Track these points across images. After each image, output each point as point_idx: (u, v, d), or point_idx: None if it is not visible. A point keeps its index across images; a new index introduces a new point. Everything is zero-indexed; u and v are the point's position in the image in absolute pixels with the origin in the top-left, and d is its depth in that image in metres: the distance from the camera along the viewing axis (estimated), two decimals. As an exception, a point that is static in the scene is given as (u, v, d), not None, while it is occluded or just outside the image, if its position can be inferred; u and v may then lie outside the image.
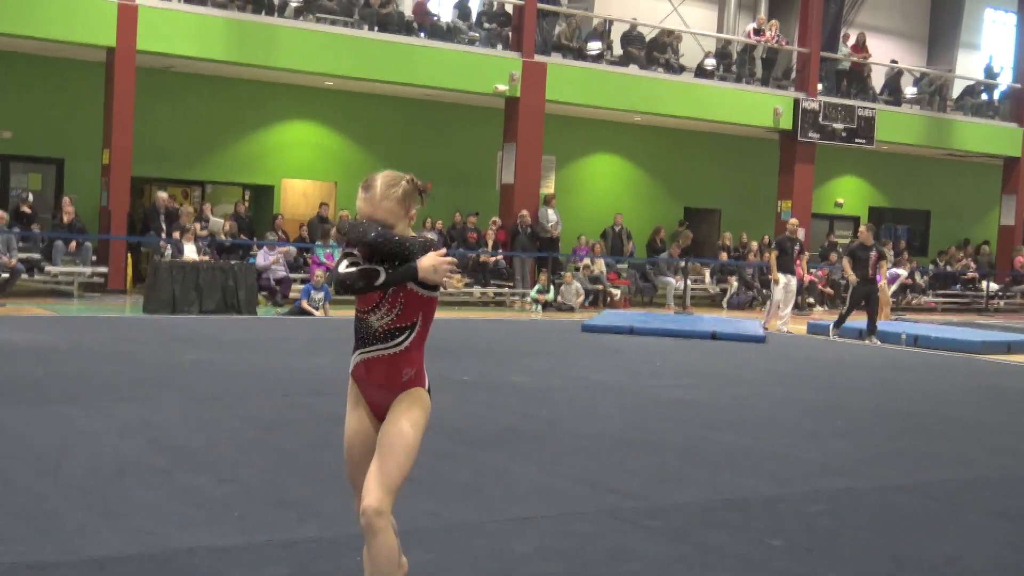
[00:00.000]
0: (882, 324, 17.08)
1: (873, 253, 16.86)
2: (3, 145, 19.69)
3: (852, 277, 16.89)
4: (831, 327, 16.93)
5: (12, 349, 10.98)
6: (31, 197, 18.80)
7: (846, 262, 17.35)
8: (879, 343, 16.19)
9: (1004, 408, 10.46)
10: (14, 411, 7.70)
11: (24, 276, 17.02)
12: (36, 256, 17.45)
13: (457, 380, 10.26)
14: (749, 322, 18.00)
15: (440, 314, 14.89)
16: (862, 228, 17.25)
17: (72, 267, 17.73)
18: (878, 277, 16.97)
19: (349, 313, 14.36)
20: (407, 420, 3.61)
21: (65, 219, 17.89)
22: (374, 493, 3.49)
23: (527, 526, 5.45)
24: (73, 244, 17.90)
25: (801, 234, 19.58)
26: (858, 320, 17.02)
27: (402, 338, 3.61)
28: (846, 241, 27.39)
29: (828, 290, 24.31)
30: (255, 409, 8.36)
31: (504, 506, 5.79)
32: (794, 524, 5.75)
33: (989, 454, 8.07)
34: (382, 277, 3.45)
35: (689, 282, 22.77)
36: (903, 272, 21.12)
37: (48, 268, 17.54)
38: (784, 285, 17.90)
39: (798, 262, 18.56)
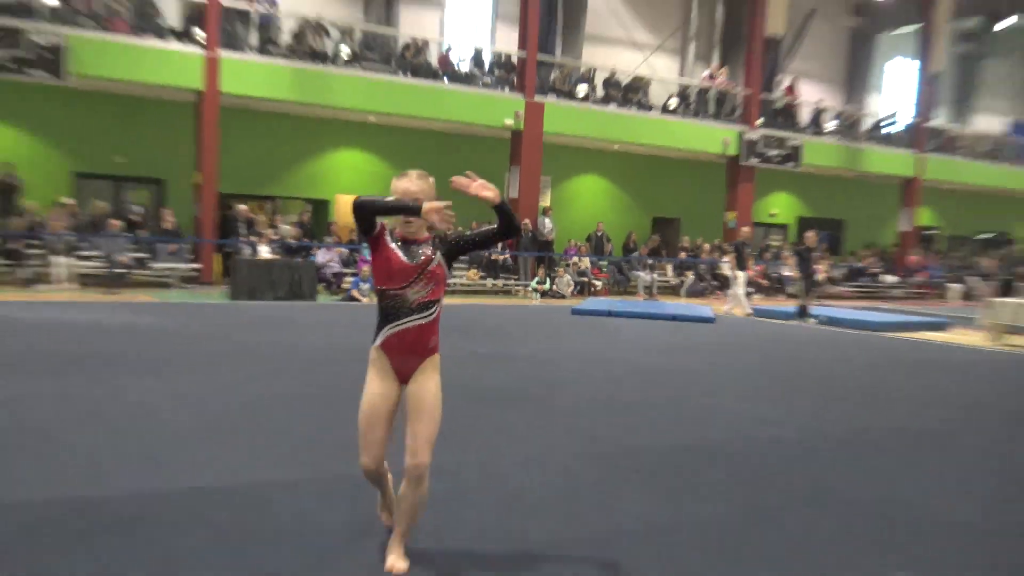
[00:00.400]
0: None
1: (816, 254, 16.98)
2: (118, 168, 19.76)
3: (796, 273, 17.00)
4: (798, 317, 16.57)
5: (127, 327, 11.11)
6: (140, 209, 18.90)
7: (793, 260, 17.45)
8: (815, 323, 16.32)
9: (898, 372, 10.53)
10: (131, 375, 7.83)
11: (135, 271, 17.15)
12: (144, 255, 17.55)
13: (473, 353, 10.36)
14: (702, 307, 18.09)
15: (459, 300, 15.06)
16: (810, 233, 17.21)
17: (172, 264, 17.83)
18: (816, 271, 16.99)
19: (390, 300, 13.83)
20: (434, 384, 3.70)
21: (166, 226, 18.01)
22: (424, 449, 3.59)
23: (529, 465, 5.56)
24: (172, 246, 18.03)
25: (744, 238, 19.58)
26: (790, 306, 17.11)
27: (432, 310, 3.71)
28: (779, 244, 27.52)
29: (764, 282, 24.41)
30: (315, 374, 8.46)
31: (511, 450, 5.90)
32: (735, 463, 5.86)
33: (885, 407, 8.17)
34: (390, 200, 3.68)
35: (655, 275, 22.88)
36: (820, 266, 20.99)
37: (153, 264, 17.64)
38: (741, 279, 18.03)
39: (749, 261, 18.68)
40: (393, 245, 3.73)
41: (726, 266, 19.20)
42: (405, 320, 3.69)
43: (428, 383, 3.70)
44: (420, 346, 3.71)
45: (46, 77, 16.20)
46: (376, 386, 3.73)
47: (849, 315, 16.91)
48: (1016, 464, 6.41)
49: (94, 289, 16.04)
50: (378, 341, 3.75)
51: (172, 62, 17.56)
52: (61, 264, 16.08)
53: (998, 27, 27.82)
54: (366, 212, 3.63)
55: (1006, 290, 20.41)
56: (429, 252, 3.74)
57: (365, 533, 4.14)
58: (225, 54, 17.93)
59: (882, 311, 19.17)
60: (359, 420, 3.76)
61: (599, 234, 23.22)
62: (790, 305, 17.61)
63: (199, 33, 17.87)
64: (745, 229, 19.25)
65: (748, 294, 18.80)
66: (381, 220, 3.72)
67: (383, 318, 3.73)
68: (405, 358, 3.71)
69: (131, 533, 4.02)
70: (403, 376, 3.73)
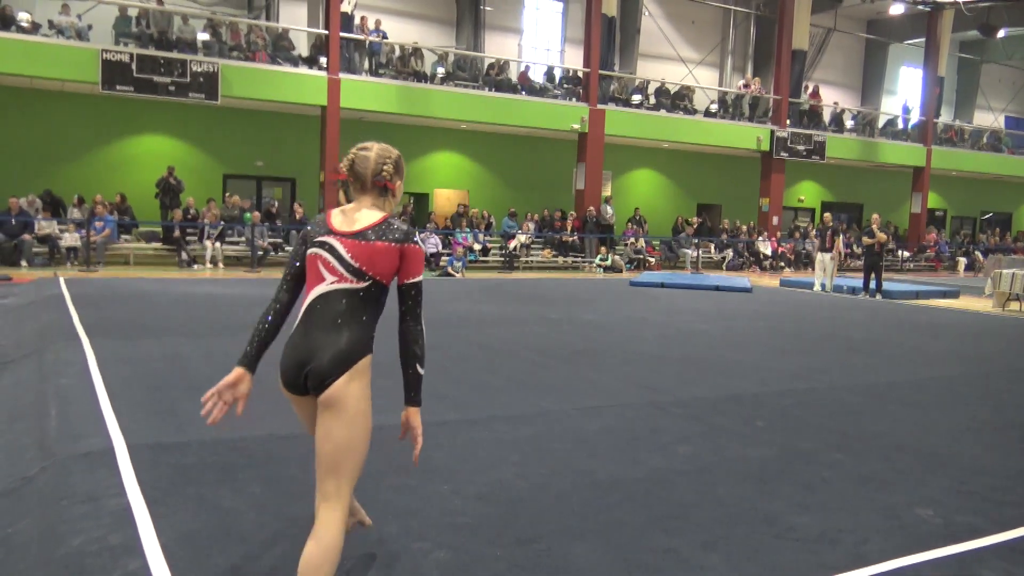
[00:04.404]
0: (839, 280, 16.57)
1: (828, 232, 16.37)
2: (257, 170, 20.09)
3: (816, 247, 16.41)
4: (874, 294, 15.10)
5: (266, 299, 11.25)
6: (276, 203, 19.18)
7: (815, 238, 16.77)
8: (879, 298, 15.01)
9: (914, 333, 10.12)
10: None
11: (272, 253, 17.41)
12: (279, 240, 17.80)
13: (548, 318, 10.25)
14: (741, 279, 17.64)
15: (534, 275, 14.81)
16: (826, 215, 16.51)
17: (302, 247, 18.02)
18: (842, 247, 16.21)
19: (478, 275, 14.31)
20: None
21: (297, 217, 18.23)
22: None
23: (594, 412, 5.44)
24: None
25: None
26: (808, 277, 16.58)
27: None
28: (805, 225, 26.81)
29: (791, 256, 23.83)
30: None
31: (579, 399, 5.77)
32: (773, 411, 5.65)
33: (904, 364, 7.83)
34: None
35: (700, 252, 22.41)
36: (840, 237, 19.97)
37: (287, 248, 17.85)
38: (823, 258, 16.22)
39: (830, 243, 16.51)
40: None
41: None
42: None
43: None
44: None
45: (203, 99, 16.49)
46: None
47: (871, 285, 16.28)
48: (1015, 412, 6.06)
49: (238, 268, 16.34)
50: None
51: (302, 84, 17.70)
52: (211, 248, 16.42)
53: (995, 38, 26.75)
54: None
55: None
56: None
57: (460, 468, 4.06)
58: (344, 76, 18.02)
59: (897, 281, 18.45)
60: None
61: (637, 218, 22.86)
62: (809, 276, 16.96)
63: (323, 60, 17.99)
64: (827, 215, 17.02)
65: (780, 266, 18.11)
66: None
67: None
68: None
69: (266, 469, 4.01)
70: None
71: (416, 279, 2.54)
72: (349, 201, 2.61)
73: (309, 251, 2.55)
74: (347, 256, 2.48)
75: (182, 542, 3.10)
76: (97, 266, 15.01)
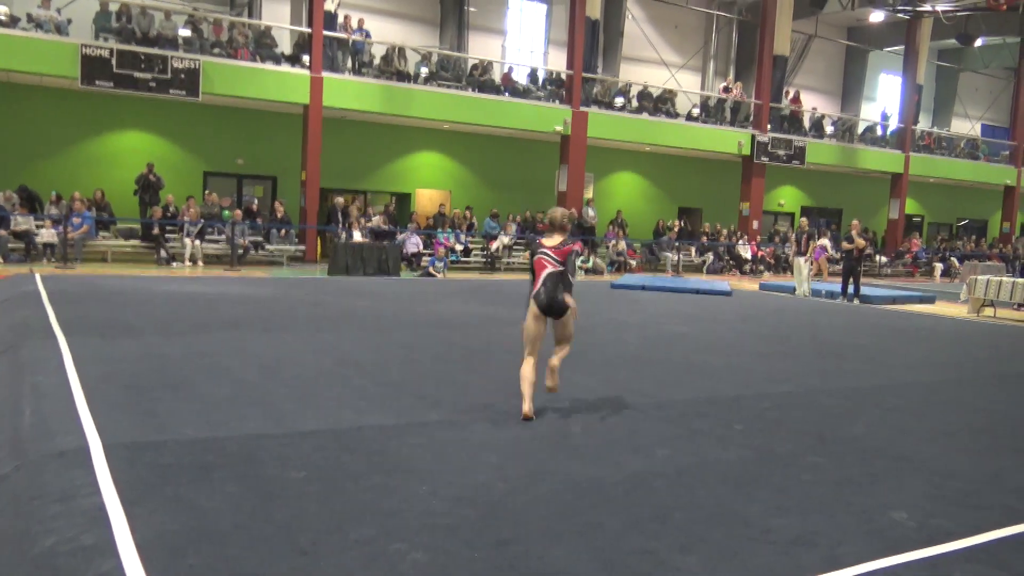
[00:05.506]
0: (816, 285, 16.68)
1: (804, 237, 16.46)
2: (238, 168, 19.95)
3: (792, 252, 16.47)
4: (852, 299, 15.10)
5: (246, 297, 11.20)
6: (256, 201, 19.06)
7: (792, 242, 16.81)
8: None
9: (890, 338, 10.21)
10: (247, 335, 7.86)
11: (252, 251, 17.31)
12: (260, 239, 17.70)
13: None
14: (721, 282, 17.74)
15: (517, 276, 14.82)
16: (802, 220, 16.61)
17: (282, 246, 17.98)
18: (818, 252, 16.28)
19: (459, 276, 14.34)
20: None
21: (278, 215, 18.14)
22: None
23: (574, 412, 5.44)
24: (283, 231, 18.16)
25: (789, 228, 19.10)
26: (788, 281, 16.70)
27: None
28: (785, 229, 26.99)
29: (771, 260, 24.00)
30: (400, 336, 8.42)
31: (559, 401, 5.77)
32: (751, 414, 5.68)
33: (881, 369, 7.89)
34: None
35: (681, 256, 22.51)
36: (827, 241, 19.98)
37: (267, 246, 17.79)
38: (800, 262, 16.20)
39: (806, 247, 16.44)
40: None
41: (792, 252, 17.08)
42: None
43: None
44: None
45: (184, 96, 16.36)
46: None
47: (849, 290, 16.40)
48: (990, 416, 6.12)
49: (217, 267, 16.23)
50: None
51: (284, 82, 17.62)
52: (191, 246, 16.29)
53: (972, 47, 27.15)
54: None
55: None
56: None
57: (440, 469, 4.06)
58: (327, 75, 17.95)
59: (874, 286, 18.62)
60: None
61: (619, 220, 22.92)
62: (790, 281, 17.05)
63: (306, 58, 17.92)
64: (803, 220, 17.63)
65: (760, 270, 18.22)
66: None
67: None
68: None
69: (244, 468, 3.98)
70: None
71: (569, 258, 5.27)
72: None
73: (536, 256, 5.32)
74: (554, 257, 5.25)
75: (157, 542, 3.06)
76: (74, 263, 14.84)
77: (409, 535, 3.27)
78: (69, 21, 16.01)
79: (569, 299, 5.12)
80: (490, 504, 3.66)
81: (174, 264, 16.06)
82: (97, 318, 8.45)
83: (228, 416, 4.91)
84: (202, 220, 16.84)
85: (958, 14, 25.40)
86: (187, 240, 16.35)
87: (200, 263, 16.30)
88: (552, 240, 5.28)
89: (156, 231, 16.35)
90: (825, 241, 18.46)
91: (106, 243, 16.36)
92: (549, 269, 5.18)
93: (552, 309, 5.20)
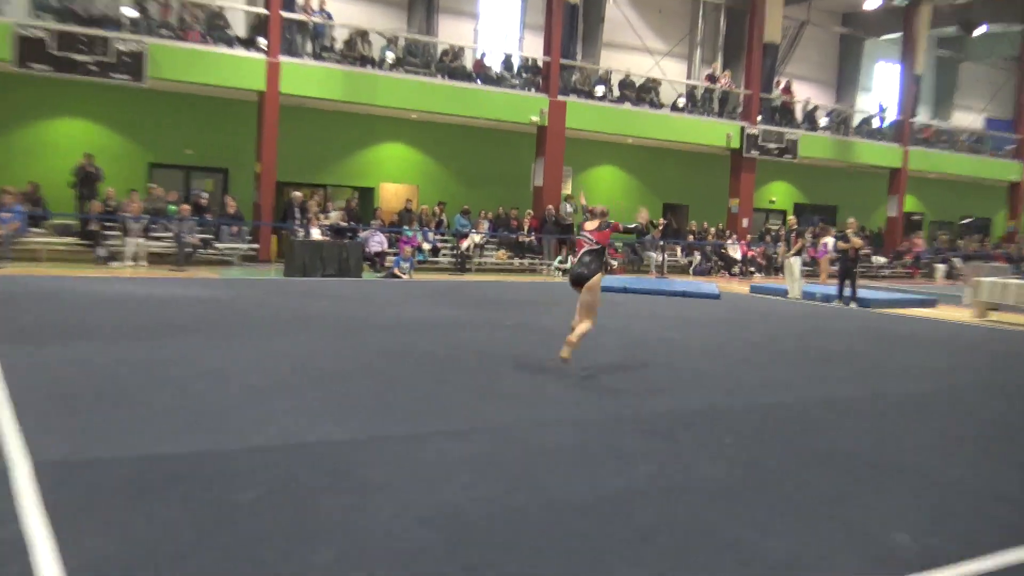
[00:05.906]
0: (808, 287, 16.75)
1: (793, 235, 16.55)
2: (186, 159, 19.74)
3: (782, 252, 16.54)
4: (849, 303, 15.08)
5: (194, 300, 11.05)
6: (206, 195, 18.84)
7: (783, 241, 16.91)
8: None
9: (886, 344, 10.30)
10: (194, 342, 7.75)
11: (201, 250, 17.11)
12: (209, 236, 17.50)
13: (502, 324, 10.22)
14: (708, 284, 17.81)
15: (489, 277, 14.84)
16: (791, 217, 16.73)
17: (234, 244, 17.79)
18: (820, 252, 16.36)
19: (427, 277, 14.31)
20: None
21: (229, 211, 17.95)
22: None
23: (554, 425, 5.41)
24: (235, 228, 17.98)
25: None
26: (780, 283, 16.80)
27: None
28: (777, 228, 27.14)
29: (762, 261, 24.14)
30: (361, 342, 8.35)
31: (535, 411, 5.74)
32: (739, 426, 5.68)
33: (878, 377, 7.95)
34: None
35: (666, 256, 22.60)
36: (832, 240, 19.88)
37: (217, 244, 17.60)
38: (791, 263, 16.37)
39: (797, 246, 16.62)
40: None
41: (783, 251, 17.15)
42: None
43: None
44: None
45: (128, 80, 16.16)
46: None
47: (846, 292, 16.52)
48: (992, 427, 6.18)
49: (162, 266, 16.04)
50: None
51: (238, 67, 17.49)
52: (134, 244, 16.08)
53: (973, 34, 27.48)
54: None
55: None
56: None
57: (404, 487, 4.00)
58: (285, 59, 17.84)
59: (870, 289, 18.80)
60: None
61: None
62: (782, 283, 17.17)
63: (262, 41, 17.79)
64: (791, 218, 17.79)
65: (750, 272, 18.31)
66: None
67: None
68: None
69: (188, 488, 3.89)
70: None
71: (607, 242, 7.30)
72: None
73: (577, 237, 8.30)
74: (591, 237, 7.22)
75: (88, 572, 2.98)
76: (3, 262, 14.60)
77: (370, 562, 3.21)
78: (1, -3, 15.77)
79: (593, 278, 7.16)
80: (459, 526, 3.61)
81: (114, 263, 15.84)
82: (27, 323, 8.31)
83: (172, 431, 4.82)
84: (145, 216, 16.63)
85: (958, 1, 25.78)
86: (129, 238, 16.14)
87: (143, 262, 16.10)
88: (592, 223, 7.20)
89: (95, 227, 16.12)
90: (830, 239, 18.39)
91: (39, 240, 16.08)
92: (586, 247, 7.15)
93: (576, 280, 7.17)
